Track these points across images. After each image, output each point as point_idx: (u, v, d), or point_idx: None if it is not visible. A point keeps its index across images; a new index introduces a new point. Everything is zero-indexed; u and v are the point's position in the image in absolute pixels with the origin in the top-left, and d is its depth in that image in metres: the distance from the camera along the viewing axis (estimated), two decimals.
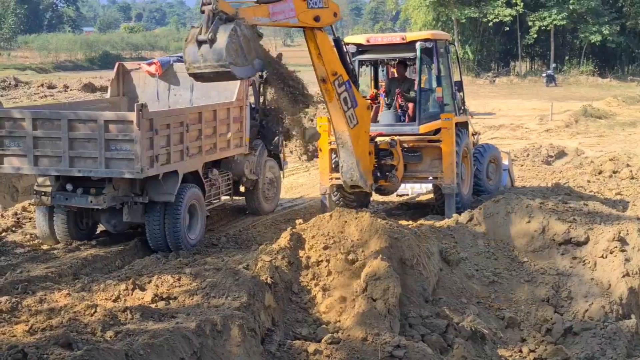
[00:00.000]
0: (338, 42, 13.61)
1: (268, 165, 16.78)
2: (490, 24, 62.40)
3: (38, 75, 58.41)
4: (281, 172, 17.46)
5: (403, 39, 15.00)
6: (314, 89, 13.95)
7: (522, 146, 26.53)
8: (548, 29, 62.47)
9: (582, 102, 40.87)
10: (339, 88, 13.02)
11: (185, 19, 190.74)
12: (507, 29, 63.60)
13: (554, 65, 62.12)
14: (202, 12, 10.32)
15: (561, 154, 25.41)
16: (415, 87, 15.01)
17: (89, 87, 42.45)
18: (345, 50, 13.51)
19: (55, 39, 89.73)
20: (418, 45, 14.61)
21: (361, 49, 15.25)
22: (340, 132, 13.33)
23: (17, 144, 13.01)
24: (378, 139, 14.64)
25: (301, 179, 21.32)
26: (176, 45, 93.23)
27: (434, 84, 15.06)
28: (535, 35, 62.73)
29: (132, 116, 12.38)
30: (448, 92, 15.43)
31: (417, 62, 14.74)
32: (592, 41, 61.70)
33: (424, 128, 14.72)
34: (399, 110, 15.09)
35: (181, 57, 16.56)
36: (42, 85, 43.49)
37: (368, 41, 15.25)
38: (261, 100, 17.16)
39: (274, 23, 12.24)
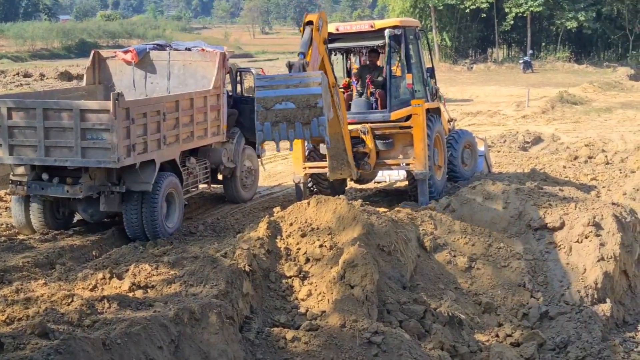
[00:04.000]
0: None
1: (246, 153, 16.76)
2: (467, 10, 62.49)
3: (14, 64, 57.88)
4: (259, 159, 17.45)
5: (372, 26, 15.00)
6: None
7: (499, 132, 26.66)
8: (524, 15, 62.66)
9: (558, 88, 41.09)
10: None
11: (162, 7, 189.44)
12: (484, 15, 63.76)
13: (530, 51, 62.34)
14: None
15: (537, 140, 25.53)
16: (385, 74, 15.03)
17: (65, 76, 42.12)
18: None
19: (32, 27, 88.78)
20: (387, 32, 14.62)
21: (331, 37, 15.23)
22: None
23: None
24: (350, 127, 14.68)
25: (279, 167, 21.32)
26: (153, 33, 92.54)
27: (404, 71, 15.07)
28: (512, 22, 62.93)
29: (109, 105, 12.32)
30: (419, 78, 15.46)
31: (386, 49, 14.77)
32: (569, 27, 61.96)
33: (395, 115, 14.75)
34: (371, 98, 15.12)
35: (158, 44, 16.60)
36: (18, 73, 43.12)
37: (337, 30, 15.21)
38: (238, 88, 17.13)
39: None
